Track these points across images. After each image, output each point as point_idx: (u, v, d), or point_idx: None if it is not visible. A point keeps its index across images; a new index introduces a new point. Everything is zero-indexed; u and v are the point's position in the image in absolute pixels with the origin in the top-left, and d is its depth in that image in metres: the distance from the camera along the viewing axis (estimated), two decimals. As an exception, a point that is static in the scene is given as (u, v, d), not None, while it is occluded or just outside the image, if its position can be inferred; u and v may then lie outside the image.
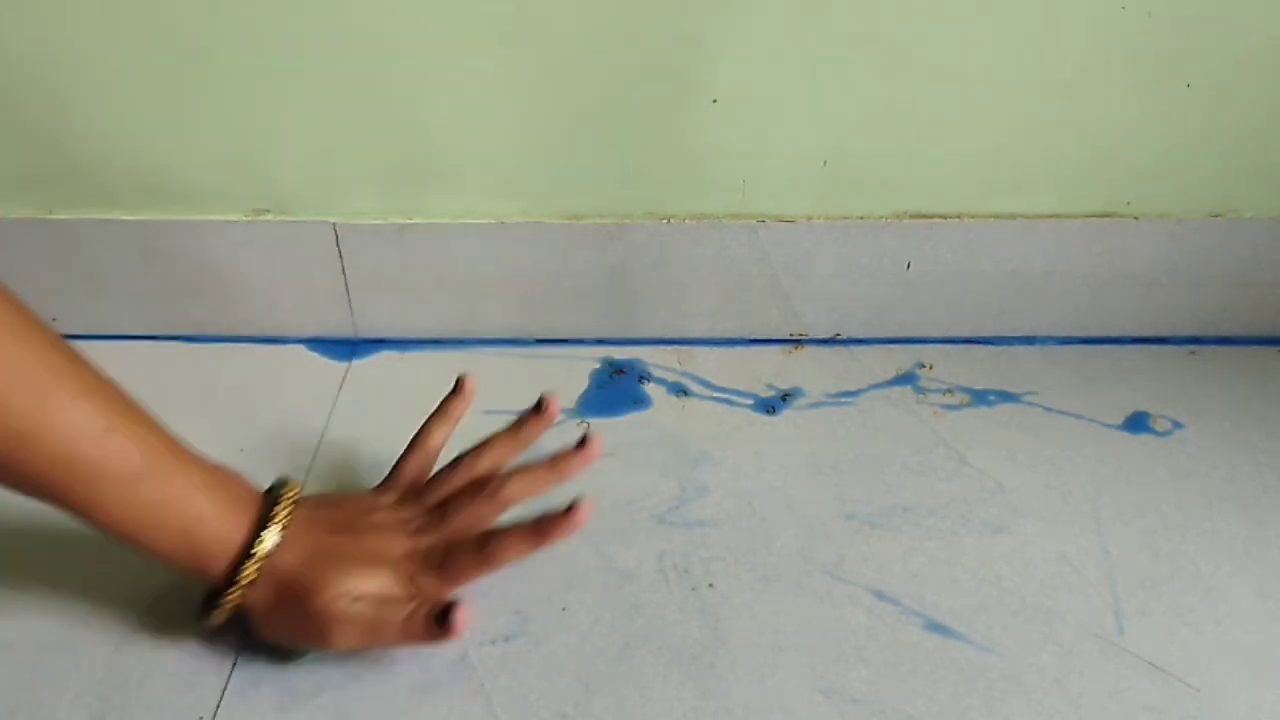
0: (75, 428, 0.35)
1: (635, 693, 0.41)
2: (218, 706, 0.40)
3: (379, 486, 0.45)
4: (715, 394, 0.58)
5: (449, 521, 0.42)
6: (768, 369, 0.60)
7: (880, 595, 0.45)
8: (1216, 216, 0.57)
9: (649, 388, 0.58)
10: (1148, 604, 0.45)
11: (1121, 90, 0.52)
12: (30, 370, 0.35)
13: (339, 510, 0.42)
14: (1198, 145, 0.55)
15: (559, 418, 0.45)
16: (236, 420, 0.55)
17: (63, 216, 0.56)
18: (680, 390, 0.58)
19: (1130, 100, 0.53)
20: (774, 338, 0.62)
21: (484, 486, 0.42)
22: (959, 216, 0.57)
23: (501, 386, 0.58)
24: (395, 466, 0.46)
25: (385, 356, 0.61)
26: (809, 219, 0.57)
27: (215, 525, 0.38)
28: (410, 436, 0.47)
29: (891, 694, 0.41)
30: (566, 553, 0.47)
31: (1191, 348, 0.62)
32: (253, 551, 0.38)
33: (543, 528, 0.40)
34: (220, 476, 0.40)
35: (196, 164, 0.54)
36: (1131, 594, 0.46)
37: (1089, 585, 0.46)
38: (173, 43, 0.49)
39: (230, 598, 0.39)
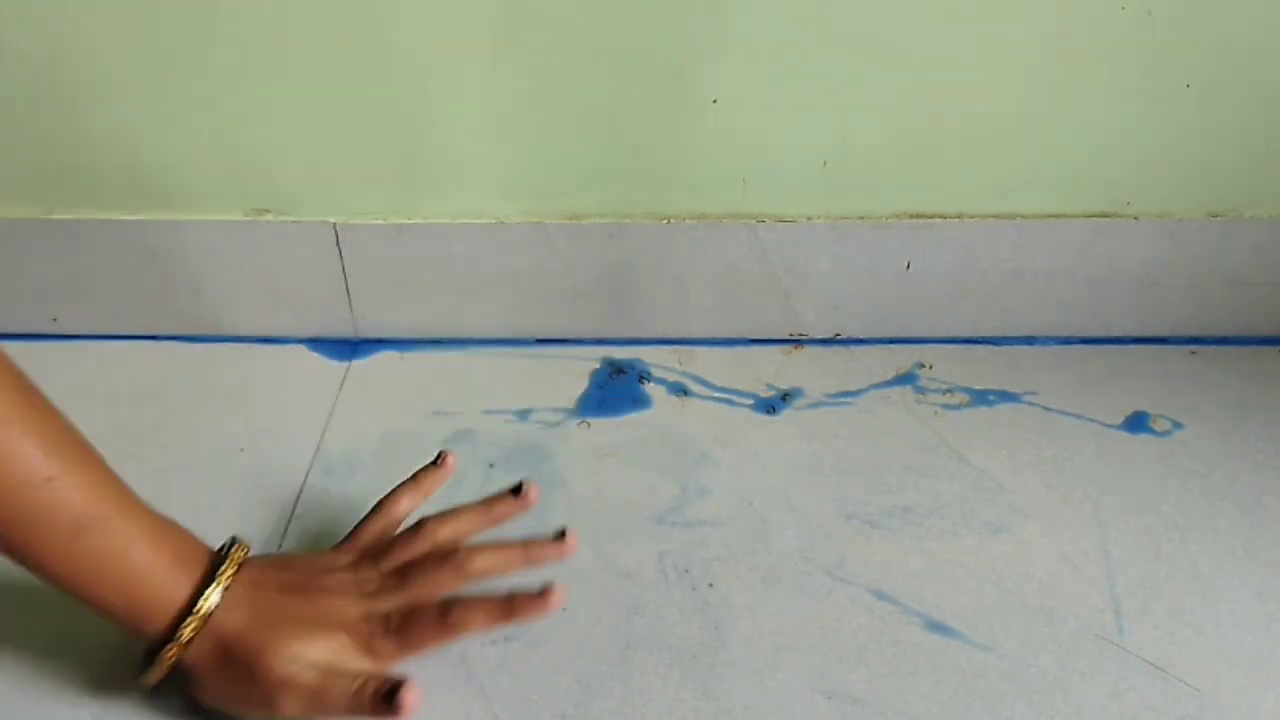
0: (17, 474, 0.34)
1: (635, 693, 0.41)
2: (218, 707, 0.40)
3: (336, 547, 0.43)
4: (715, 394, 0.58)
5: (409, 586, 0.40)
6: (768, 369, 0.60)
7: (881, 595, 0.45)
8: (1216, 216, 0.57)
9: (649, 388, 0.58)
10: (1148, 604, 0.45)
11: (1121, 90, 0.52)
12: None
13: (291, 570, 0.41)
14: (1197, 145, 0.55)
15: (535, 505, 0.44)
16: (236, 420, 0.55)
17: (62, 216, 0.56)
18: (680, 390, 0.58)
19: (1129, 100, 0.53)
20: (774, 338, 0.62)
21: (448, 556, 0.40)
22: (959, 216, 0.57)
23: (502, 386, 0.58)
24: (356, 528, 0.44)
25: (385, 356, 0.61)
26: (809, 219, 0.57)
27: (158, 581, 0.37)
28: (373, 503, 0.45)
29: (892, 694, 0.41)
30: (567, 553, 0.47)
31: (1191, 348, 0.62)
32: (195, 609, 0.37)
33: (514, 604, 0.39)
34: (168, 530, 0.39)
35: (196, 164, 0.54)
36: (1131, 594, 0.46)
37: (1089, 585, 0.46)
38: (173, 43, 0.49)
39: (167, 655, 0.37)
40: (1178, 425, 0.56)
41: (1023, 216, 0.57)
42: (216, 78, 0.51)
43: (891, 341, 0.62)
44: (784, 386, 0.59)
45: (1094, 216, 0.57)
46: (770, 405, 0.57)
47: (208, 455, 0.52)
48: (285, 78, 0.51)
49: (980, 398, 0.58)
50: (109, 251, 0.57)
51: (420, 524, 0.42)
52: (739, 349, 0.62)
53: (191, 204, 0.56)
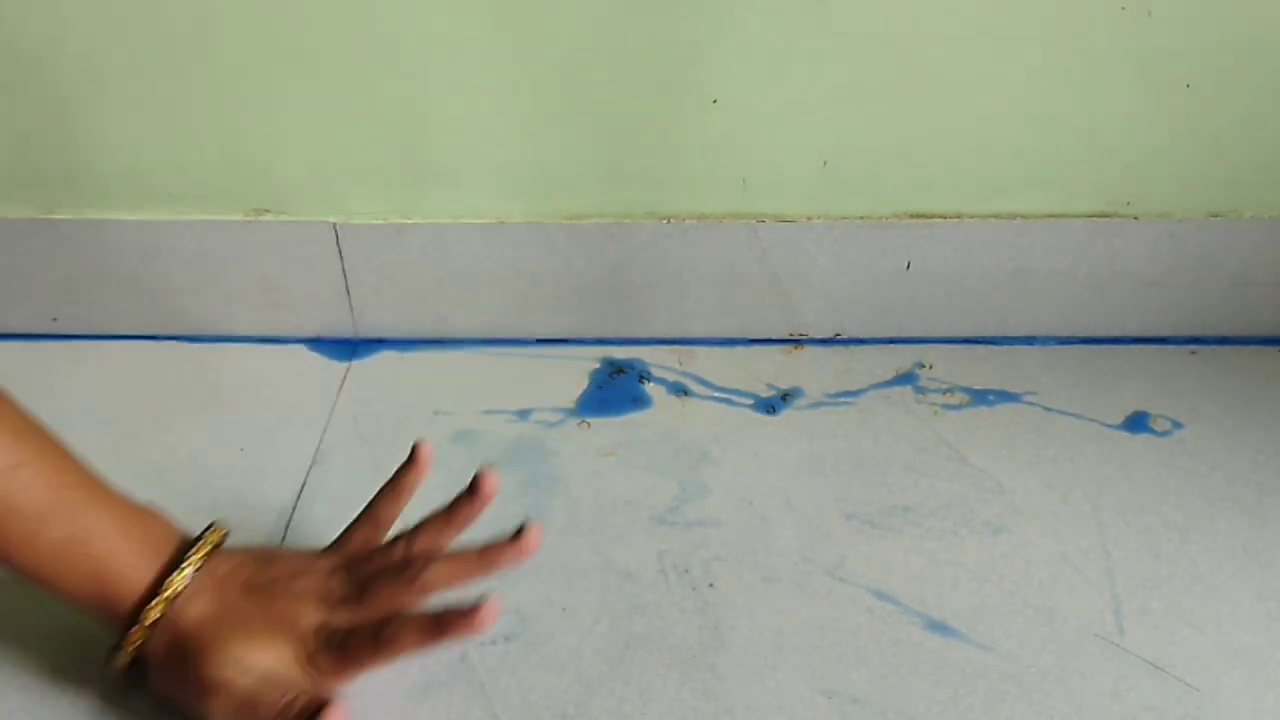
0: None
1: (635, 693, 0.41)
2: (218, 707, 0.40)
3: (324, 550, 0.42)
4: (715, 394, 0.58)
5: (366, 601, 0.39)
6: (768, 369, 0.60)
7: (881, 595, 0.45)
8: (1216, 216, 0.57)
9: (649, 388, 0.58)
10: (1148, 604, 0.45)
11: (1121, 90, 0.52)
12: None
13: (264, 568, 0.40)
14: (1197, 145, 0.55)
15: (495, 497, 0.41)
16: (236, 420, 0.55)
17: (63, 216, 0.56)
18: (680, 390, 0.58)
19: (1130, 100, 0.53)
20: (774, 338, 0.62)
21: (405, 568, 0.39)
22: (959, 216, 0.57)
23: (501, 386, 0.58)
24: (343, 533, 0.43)
25: (385, 356, 0.61)
26: (809, 219, 0.57)
27: (125, 564, 0.37)
28: (377, 488, 0.44)
29: (892, 694, 0.41)
30: (566, 553, 0.47)
31: (1191, 348, 0.62)
32: (161, 591, 0.37)
33: (443, 621, 0.37)
34: (139, 516, 0.38)
35: (196, 164, 0.54)
36: (1131, 594, 0.46)
37: (1089, 585, 0.46)
38: (173, 43, 0.49)
39: (133, 637, 0.37)
40: (1178, 425, 0.56)
41: (1023, 216, 0.57)
42: (217, 78, 0.51)
43: (891, 341, 0.62)
44: (784, 386, 0.59)
45: (1094, 216, 0.57)
46: (770, 405, 0.57)
47: (208, 455, 0.52)
48: (285, 77, 0.51)
49: (980, 398, 0.58)
50: (109, 251, 0.57)
51: (396, 538, 0.41)
52: (739, 349, 0.62)
53: (191, 204, 0.56)
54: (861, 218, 0.57)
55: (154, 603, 0.36)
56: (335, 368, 0.60)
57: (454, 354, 0.61)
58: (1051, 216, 0.57)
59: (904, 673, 0.42)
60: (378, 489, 0.43)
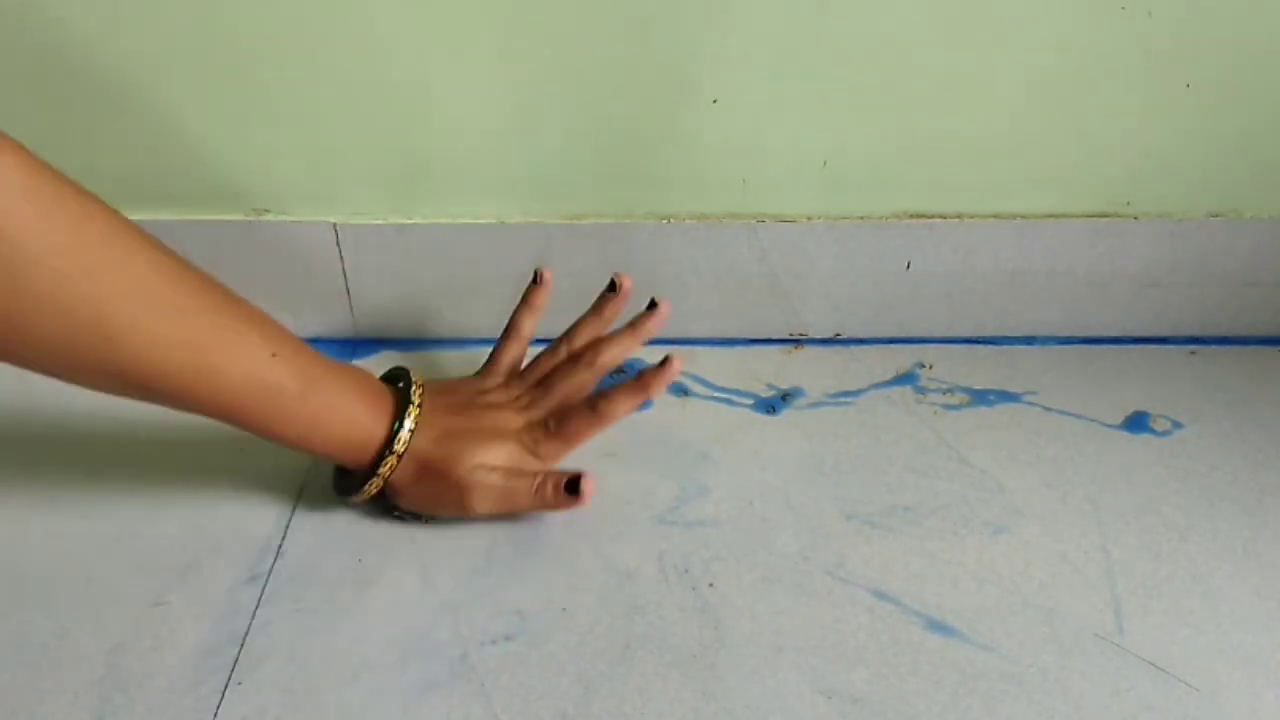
0: (249, 357, 0.40)
1: (635, 693, 0.41)
2: (218, 707, 0.40)
3: (479, 372, 0.51)
4: (715, 394, 0.58)
5: (554, 392, 0.47)
6: (768, 369, 0.60)
7: (881, 595, 0.45)
8: (1216, 216, 0.57)
9: (649, 388, 0.58)
10: (1148, 604, 0.45)
11: (1121, 90, 0.52)
12: (202, 314, 0.39)
13: (455, 394, 0.48)
14: (1197, 145, 0.55)
15: (632, 293, 0.50)
16: (236, 420, 0.55)
17: (63, 216, 0.56)
18: (680, 390, 0.58)
19: (1130, 100, 0.53)
20: (774, 338, 0.62)
21: (579, 358, 0.48)
22: (959, 216, 0.57)
23: (501, 386, 0.58)
24: (492, 354, 0.51)
25: (385, 356, 0.61)
26: (809, 219, 0.57)
27: (365, 422, 0.44)
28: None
29: (892, 694, 0.41)
30: (566, 553, 0.47)
31: (1191, 348, 0.62)
32: (394, 444, 0.44)
33: (645, 380, 0.45)
34: (354, 374, 0.45)
35: (196, 164, 0.54)
36: (1131, 594, 0.46)
37: (1089, 585, 0.46)
38: (173, 43, 0.49)
39: (373, 483, 0.44)
40: (1178, 425, 0.56)
41: (1023, 216, 0.57)
42: (217, 78, 0.51)
43: (891, 341, 0.62)
44: (784, 386, 0.59)
45: (1094, 216, 0.57)
46: (770, 405, 0.57)
47: (208, 454, 0.52)
48: (285, 78, 0.51)
49: (980, 398, 0.58)
50: (109, 251, 0.57)
51: (553, 345, 0.50)
52: (739, 349, 0.62)
53: (191, 204, 0.56)
54: (861, 218, 0.57)
55: (398, 438, 0.44)
56: (335, 368, 0.60)
57: (454, 354, 0.61)
58: (1051, 216, 0.57)
59: (904, 673, 0.42)
60: (513, 312, 0.52)
